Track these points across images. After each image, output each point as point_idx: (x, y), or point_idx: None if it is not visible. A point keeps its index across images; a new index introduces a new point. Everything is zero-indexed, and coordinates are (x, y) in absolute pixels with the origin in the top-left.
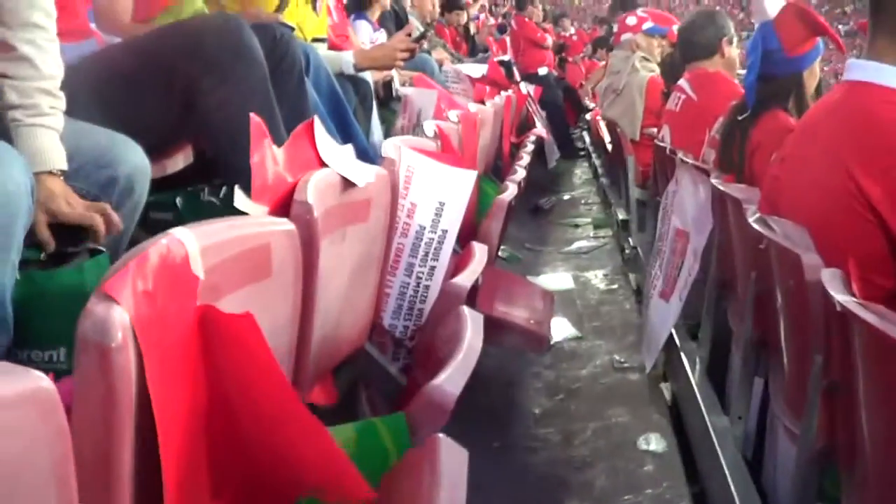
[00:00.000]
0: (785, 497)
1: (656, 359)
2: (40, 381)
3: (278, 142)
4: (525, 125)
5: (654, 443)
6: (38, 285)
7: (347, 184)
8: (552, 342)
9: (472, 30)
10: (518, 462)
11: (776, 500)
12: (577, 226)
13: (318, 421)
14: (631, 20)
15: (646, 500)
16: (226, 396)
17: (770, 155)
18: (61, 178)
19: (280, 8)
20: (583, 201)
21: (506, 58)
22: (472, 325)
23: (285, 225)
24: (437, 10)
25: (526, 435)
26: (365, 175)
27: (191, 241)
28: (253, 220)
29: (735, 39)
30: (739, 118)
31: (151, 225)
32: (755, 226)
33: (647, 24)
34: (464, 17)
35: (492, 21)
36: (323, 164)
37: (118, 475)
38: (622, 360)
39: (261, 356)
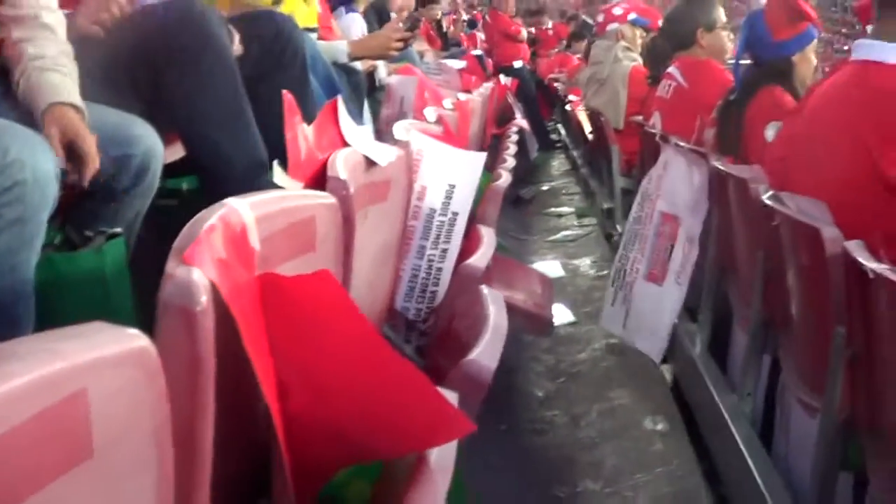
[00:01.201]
0: (802, 469)
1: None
2: (143, 340)
3: (254, 138)
4: (504, 117)
5: (661, 422)
6: (56, 268)
7: (368, 164)
8: None
9: (445, 25)
10: (526, 444)
11: (790, 473)
12: (560, 215)
13: (408, 361)
14: (617, 10)
15: (658, 478)
16: (297, 353)
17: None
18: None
19: (277, 1)
20: (563, 191)
21: (478, 52)
22: (493, 303)
23: (328, 199)
24: (414, 4)
25: (532, 418)
26: (386, 155)
27: (247, 211)
28: (299, 192)
29: (718, 25)
30: (732, 98)
31: (157, 211)
32: (769, 203)
33: (633, 15)
34: (437, 12)
35: (464, 17)
36: (345, 144)
37: (202, 439)
38: (619, 343)
39: (346, 308)
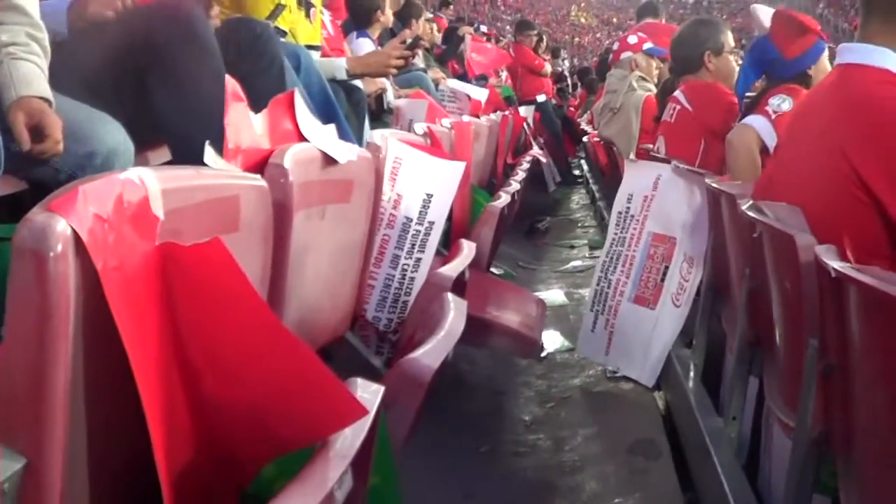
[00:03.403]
0: (780, 492)
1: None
2: None
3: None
4: (522, 149)
5: (646, 448)
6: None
7: (328, 161)
8: (544, 353)
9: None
10: (506, 467)
11: (771, 499)
12: (572, 247)
13: (302, 342)
14: (632, 39)
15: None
16: (199, 330)
17: None
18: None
19: (273, 15)
20: (579, 224)
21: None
22: (454, 308)
23: (256, 181)
24: (437, 35)
25: (515, 441)
26: (346, 153)
27: (151, 181)
28: (223, 171)
29: (726, 49)
30: None
31: None
32: (748, 213)
33: (647, 45)
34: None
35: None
36: (303, 140)
37: (51, 395)
38: (615, 370)
39: (235, 280)
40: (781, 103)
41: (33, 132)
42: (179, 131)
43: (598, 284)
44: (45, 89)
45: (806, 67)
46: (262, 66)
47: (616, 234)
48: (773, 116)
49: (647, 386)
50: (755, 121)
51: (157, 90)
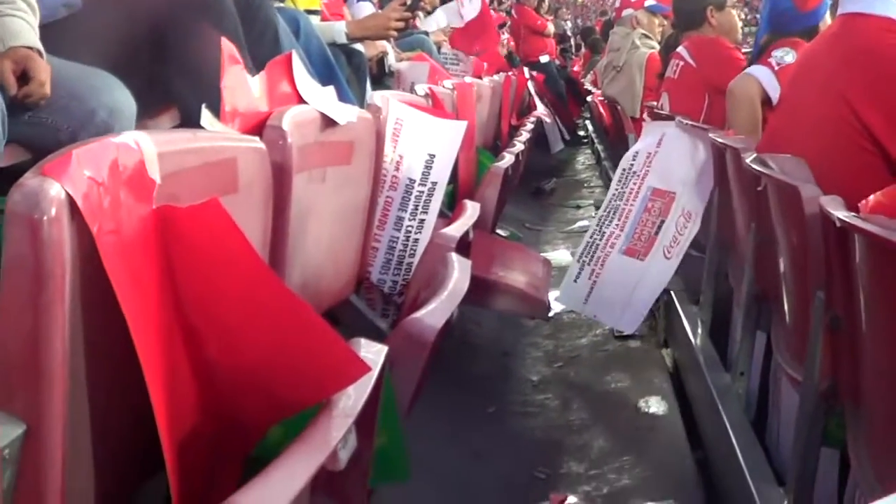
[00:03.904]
0: (789, 447)
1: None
2: None
3: None
4: (527, 110)
5: (654, 406)
6: None
7: (328, 123)
8: (552, 314)
9: None
10: (514, 426)
11: (780, 454)
12: (578, 207)
13: (302, 300)
14: None
15: (645, 461)
16: (199, 292)
17: None
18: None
19: None
20: (585, 185)
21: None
22: (458, 268)
23: (255, 143)
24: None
25: (523, 401)
26: (345, 114)
27: (147, 144)
28: (220, 133)
29: (728, 4)
30: None
31: None
32: (753, 166)
33: (649, 1)
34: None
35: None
36: (302, 102)
37: (49, 360)
38: (621, 330)
39: (234, 240)
40: (784, 56)
41: (20, 79)
42: (195, 99)
43: (590, 237)
44: (33, 40)
45: (817, 22)
46: (255, 32)
47: (617, 189)
48: (777, 68)
49: (624, 332)
50: (758, 71)
51: (173, 58)
